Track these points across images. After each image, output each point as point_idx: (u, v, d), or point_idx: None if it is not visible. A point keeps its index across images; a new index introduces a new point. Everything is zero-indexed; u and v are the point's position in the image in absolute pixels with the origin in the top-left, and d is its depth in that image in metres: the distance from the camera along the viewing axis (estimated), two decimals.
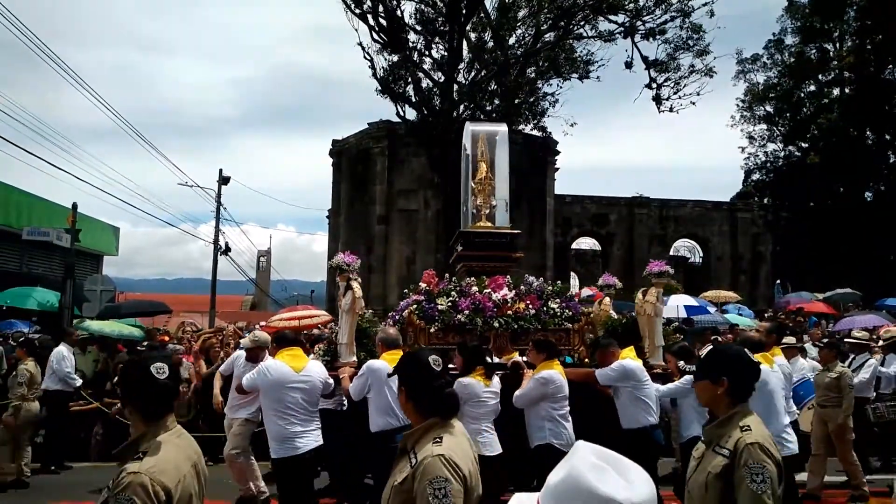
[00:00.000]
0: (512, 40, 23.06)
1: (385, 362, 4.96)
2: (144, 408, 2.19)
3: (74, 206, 14.75)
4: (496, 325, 6.21)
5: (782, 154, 33.25)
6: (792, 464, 4.58)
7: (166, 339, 10.54)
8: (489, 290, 6.46)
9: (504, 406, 5.15)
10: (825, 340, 8.96)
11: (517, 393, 5.07)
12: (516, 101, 23.07)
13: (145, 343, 10.24)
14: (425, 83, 22.52)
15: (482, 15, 22.48)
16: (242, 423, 6.25)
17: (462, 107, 22.66)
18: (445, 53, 22.27)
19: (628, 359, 5.42)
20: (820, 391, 6.80)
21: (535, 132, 25.67)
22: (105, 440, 8.52)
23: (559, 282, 7.34)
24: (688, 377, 5.19)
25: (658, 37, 22.62)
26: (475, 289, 6.52)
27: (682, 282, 24.65)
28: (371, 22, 21.27)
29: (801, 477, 6.46)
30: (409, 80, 22.23)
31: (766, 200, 32.74)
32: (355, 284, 6.03)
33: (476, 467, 2.29)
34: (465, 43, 22.44)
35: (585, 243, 32.73)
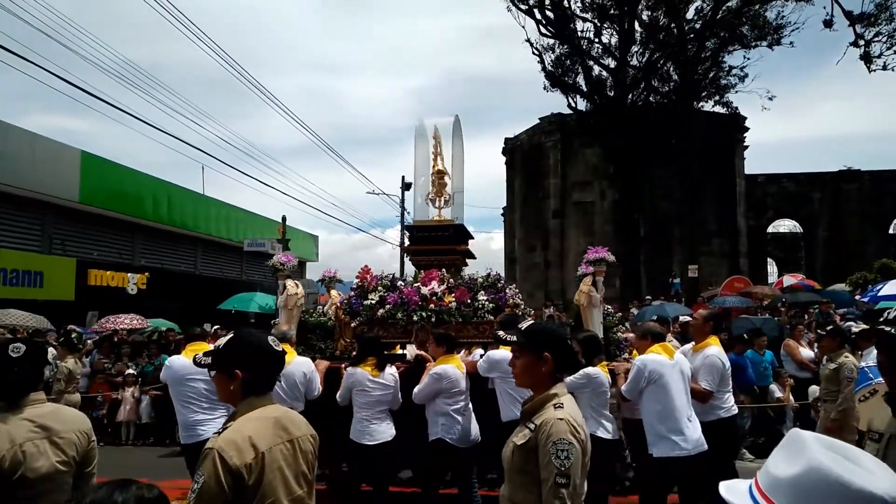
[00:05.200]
0: (689, 14, 21.69)
1: None
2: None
3: (284, 218, 16.55)
4: (415, 318, 6.21)
5: None
6: (685, 464, 4.35)
7: None
8: (419, 284, 6.47)
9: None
10: (829, 328, 7.10)
11: (415, 389, 5.05)
12: (696, 76, 21.65)
13: None
14: (596, 71, 22.01)
15: None
16: None
17: (636, 91, 21.79)
18: (616, 38, 21.57)
19: (501, 349, 4.98)
20: (822, 384, 6.28)
21: (718, 109, 23.91)
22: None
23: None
24: (583, 371, 4.76)
25: None
26: (401, 283, 6.62)
27: None
28: (538, 16, 21.29)
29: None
30: (580, 69, 21.86)
31: None
32: (290, 283, 6.38)
33: (21, 455, 2.25)
34: (636, 24, 21.57)
35: (784, 226, 29.83)
